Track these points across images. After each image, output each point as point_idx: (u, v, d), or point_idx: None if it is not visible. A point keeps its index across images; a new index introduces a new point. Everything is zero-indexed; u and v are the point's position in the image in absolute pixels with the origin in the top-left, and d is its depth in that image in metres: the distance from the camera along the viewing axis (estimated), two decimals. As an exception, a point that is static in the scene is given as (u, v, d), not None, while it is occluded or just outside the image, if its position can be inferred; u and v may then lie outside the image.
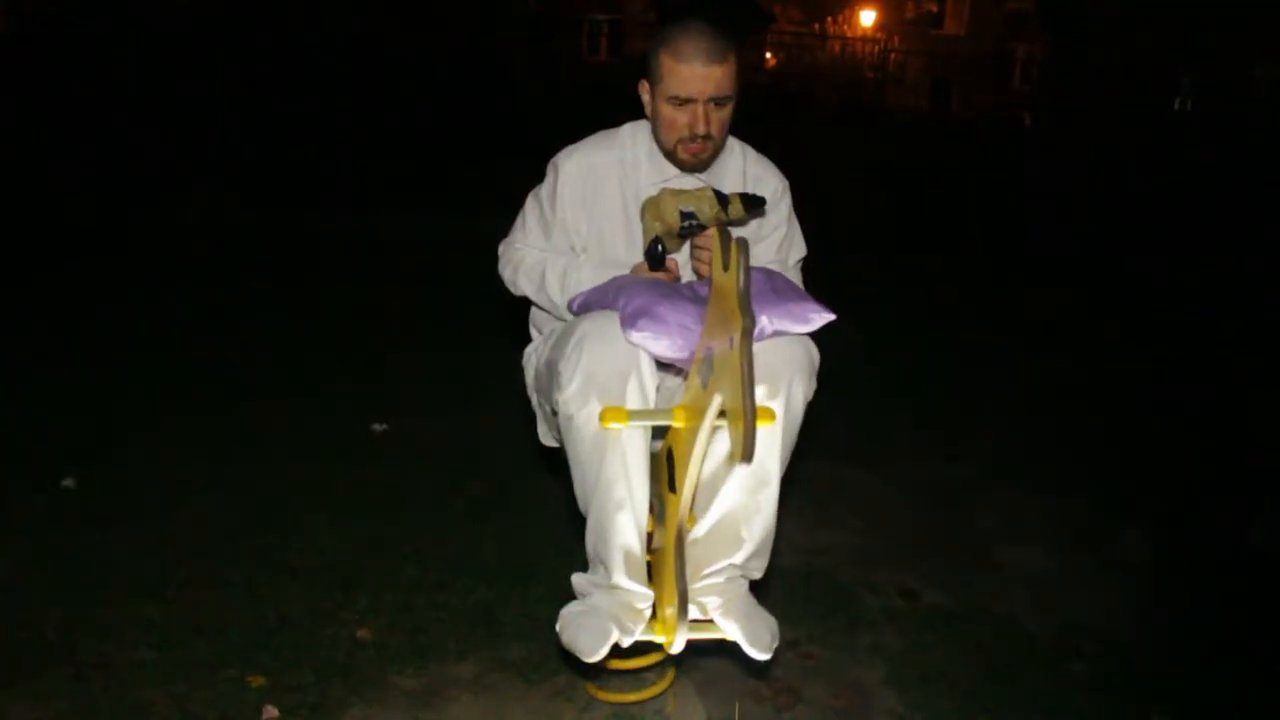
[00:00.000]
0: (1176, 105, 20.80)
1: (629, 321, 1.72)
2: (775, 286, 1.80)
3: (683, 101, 1.89)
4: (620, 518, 1.76)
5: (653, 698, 2.13)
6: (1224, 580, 2.93)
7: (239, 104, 11.97)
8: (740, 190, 2.00)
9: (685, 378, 1.75)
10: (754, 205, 1.94)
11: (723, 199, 1.92)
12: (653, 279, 1.92)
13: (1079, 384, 4.61)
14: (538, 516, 2.88)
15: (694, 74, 1.86)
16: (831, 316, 1.78)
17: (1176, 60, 19.78)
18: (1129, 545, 3.07)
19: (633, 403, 1.73)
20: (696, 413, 1.61)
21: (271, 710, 2.03)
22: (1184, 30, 18.88)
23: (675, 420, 1.67)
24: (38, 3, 13.96)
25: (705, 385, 1.58)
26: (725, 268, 1.52)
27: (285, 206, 7.30)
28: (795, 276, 2.19)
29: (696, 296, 1.80)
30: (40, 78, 12.01)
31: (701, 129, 1.91)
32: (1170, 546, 3.09)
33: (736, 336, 1.42)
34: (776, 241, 2.15)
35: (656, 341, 1.70)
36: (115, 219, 6.70)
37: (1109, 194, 11.43)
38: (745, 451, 1.40)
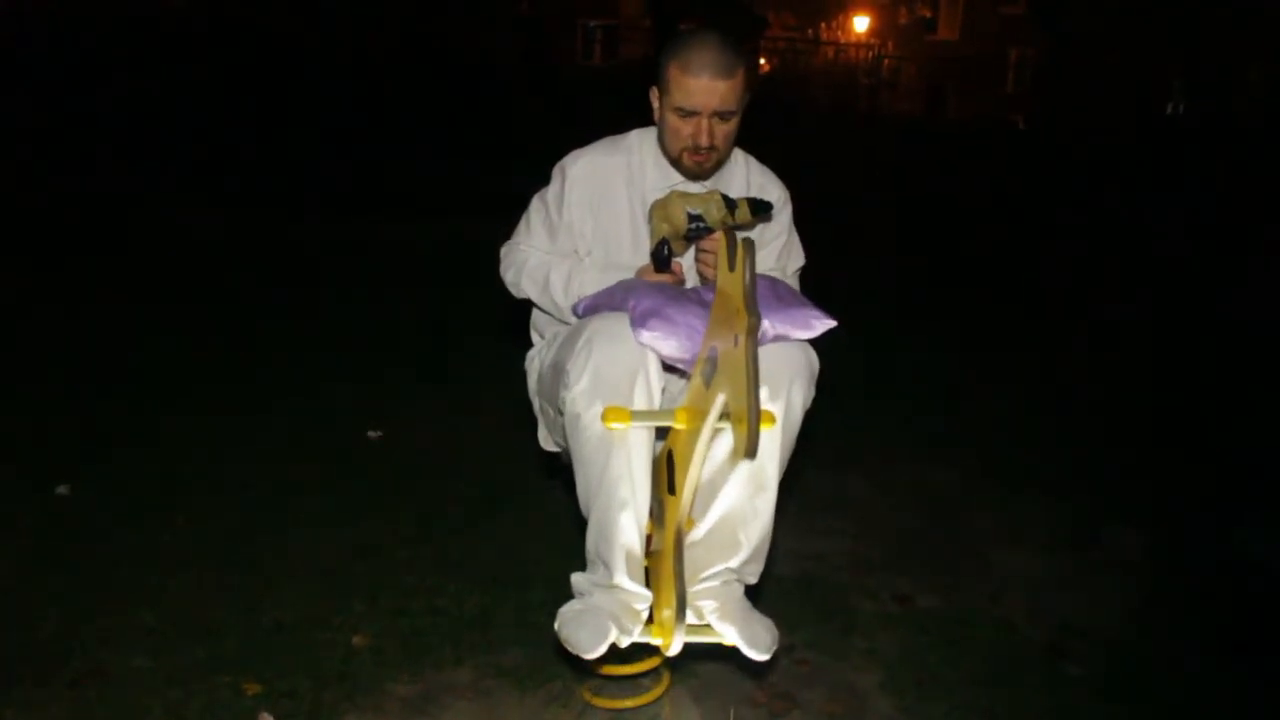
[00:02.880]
0: (1169, 109, 20.87)
1: (639, 321, 1.75)
2: (778, 293, 1.83)
3: (688, 113, 1.94)
4: (623, 517, 1.77)
5: (648, 703, 2.13)
6: (1218, 582, 2.94)
7: (238, 108, 11.97)
8: (746, 196, 2.05)
9: (688, 380, 1.77)
10: (761, 210, 1.98)
11: (730, 203, 1.96)
12: (658, 282, 1.94)
13: (1072, 386, 4.63)
14: (534, 522, 2.89)
15: (700, 87, 1.91)
16: (833, 323, 1.80)
17: (1169, 63, 19.85)
18: (1123, 547, 3.08)
19: (639, 403, 1.75)
20: (698, 414, 1.63)
21: (267, 717, 2.03)
22: (1177, 33, 18.95)
23: (677, 421, 1.69)
24: (36, 4, 13.95)
25: (708, 384, 1.59)
26: (731, 268, 1.54)
27: (281, 210, 7.30)
28: (794, 284, 2.22)
29: (703, 301, 1.82)
30: (38, 79, 12.00)
31: (705, 141, 1.95)
32: (1164, 549, 3.10)
33: (741, 335, 1.44)
34: (777, 250, 2.19)
35: (665, 342, 1.73)
36: (113, 222, 6.70)
37: (1105, 195, 11.46)
38: (749, 448, 1.41)
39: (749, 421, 1.40)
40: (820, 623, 2.52)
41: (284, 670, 2.17)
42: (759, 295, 1.73)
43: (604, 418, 1.70)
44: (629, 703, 2.12)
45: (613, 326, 1.78)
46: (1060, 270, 7.40)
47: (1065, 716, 2.27)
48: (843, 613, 2.58)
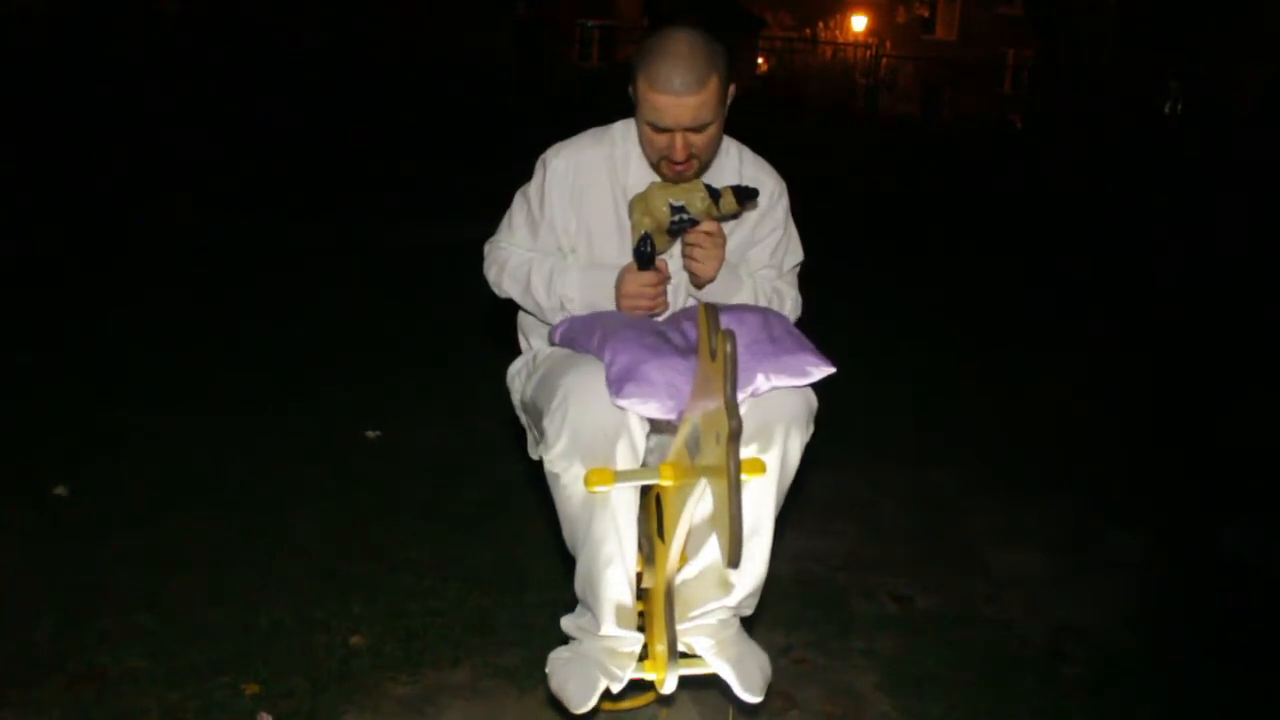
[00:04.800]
0: (1166, 109, 20.86)
1: (615, 386, 1.66)
2: (773, 335, 1.75)
3: (659, 129, 1.83)
4: (609, 572, 1.73)
5: (646, 704, 2.13)
6: (1216, 583, 2.94)
7: (234, 110, 11.96)
8: (731, 184, 1.95)
9: (674, 431, 1.70)
10: (746, 197, 1.89)
11: (714, 192, 1.87)
12: (639, 318, 1.87)
13: (1070, 386, 4.63)
14: (532, 523, 2.88)
15: (668, 104, 1.79)
16: (831, 369, 1.74)
17: (1167, 63, 19.82)
18: (1122, 548, 3.08)
19: (622, 462, 1.68)
20: (684, 471, 1.57)
21: (266, 717, 2.02)
22: (1175, 33, 18.93)
23: (662, 478, 1.63)
24: (34, 5, 13.93)
25: (692, 456, 1.53)
26: (712, 356, 1.44)
27: (278, 212, 7.30)
28: (791, 281, 2.15)
29: (686, 344, 1.75)
30: (37, 79, 11.99)
31: (680, 155, 1.84)
32: (1163, 549, 3.10)
33: (723, 435, 1.36)
34: (772, 245, 2.09)
35: (645, 404, 1.65)
36: (113, 222, 6.68)
37: (1101, 196, 11.46)
38: (731, 559, 1.36)
39: (731, 535, 1.33)
40: (819, 623, 2.52)
41: (282, 671, 2.17)
42: (751, 338, 1.68)
43: (587, 481, 1.63)
44: (626, 703, 2.12)
45: (588, 383, 1.69)
46: (1061, 270, 7.40)
47: (1063, 717, 2.27)
48: (841, 613, 2.58)
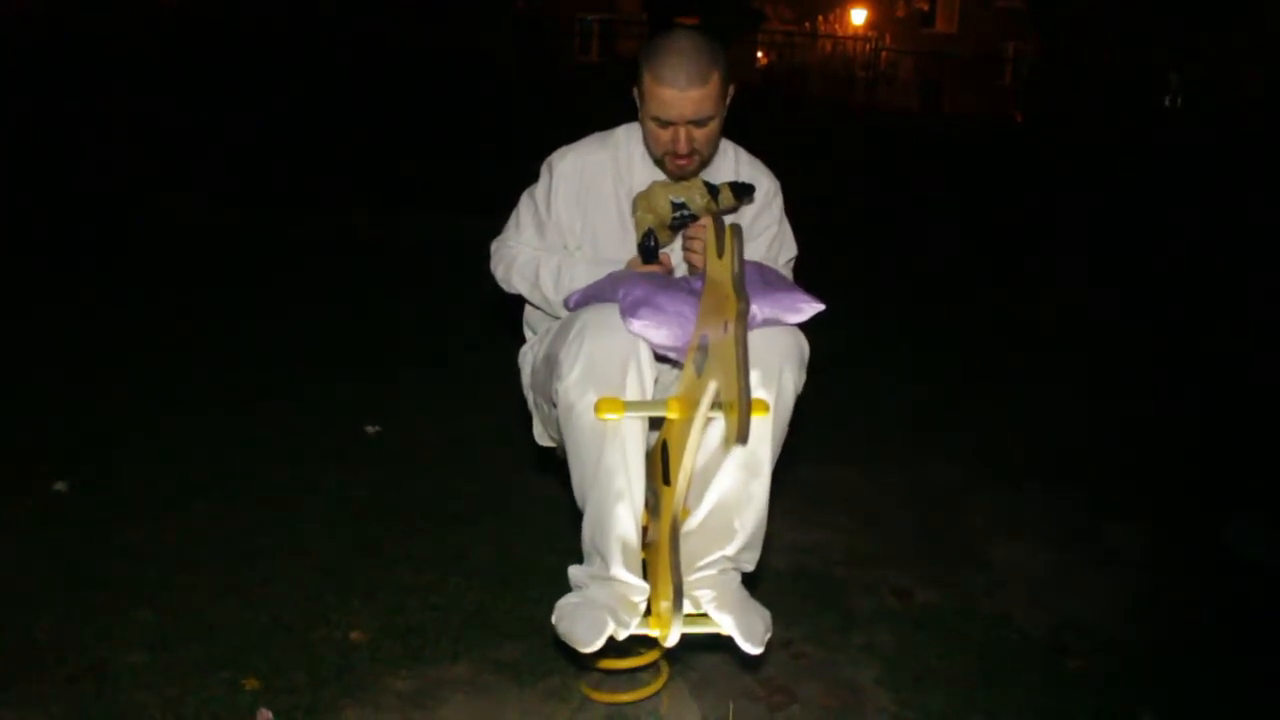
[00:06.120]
0: (1166, 102, 20.87)
1: (629, 310, 1.75)
2: (766, 278, 1.84)
3: (664, 123, 1.93)
4: (619, 508, 1.77)
5: (647, 698, 2.13)
6: (1217, 580, 2.94)
7: (233, 105, 11.96)
8: (728, 180, 2.05)
9: (680, 369, 1.78)
10: (743, 192, 2.00)
11: (712, 189, 1.98)
12: (648, 273, 1.95)
13: (1071, 382, 4.62)
14: (531, 517, 2.89)
15: (673, 98, 1.89)
16: (821, 306, 1.81)
17: (1167, 58, 19.82)
18: (1121, 543, 3.08)
19: (631, 393, 1.76)
20: (691, 404, 1.63)
21: (265, 713, 2.03)
22: (1175, 29, 18.92)
23: (670, 411, 1.70)
24: (34, 4, 13.93)
25: (699, 373, 1.60)
26: (720, 254, 1.55)
27: (277, 208, 7.29)
28: (786, 275, 2.21)
29: (692, 290, 1.83)
30: (37, 77, 11.99)
31: (683, 148, 1.95)
32: (1162, 544, 3.10)
33: (731, 321, 1.44)
34: (767, 240, 2.18)
35: (657, 331, 1.74)
36: (113, 221, 6.68)
37: (1101, 193, 11.46)
38: (741, 433, 1.42)
39: (740, 407, 1.40)
40: (819, 617, 2.52)
41: (282, 666, 2.18)
42: (747, 278, 1.75)
43: (597, 409, 1.71)
44: (627, 697, 2.12)
45: (604, 317, 1.79)
46: (1061, 266, 7.40)
47: (1063, 712, 2.27)
48: (841, 607, 2.59)
